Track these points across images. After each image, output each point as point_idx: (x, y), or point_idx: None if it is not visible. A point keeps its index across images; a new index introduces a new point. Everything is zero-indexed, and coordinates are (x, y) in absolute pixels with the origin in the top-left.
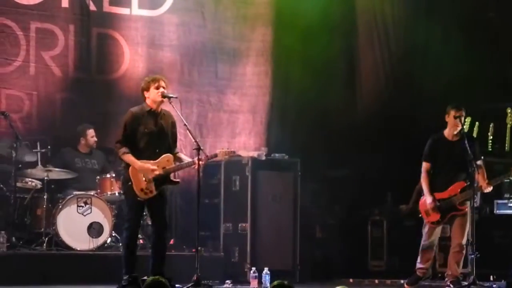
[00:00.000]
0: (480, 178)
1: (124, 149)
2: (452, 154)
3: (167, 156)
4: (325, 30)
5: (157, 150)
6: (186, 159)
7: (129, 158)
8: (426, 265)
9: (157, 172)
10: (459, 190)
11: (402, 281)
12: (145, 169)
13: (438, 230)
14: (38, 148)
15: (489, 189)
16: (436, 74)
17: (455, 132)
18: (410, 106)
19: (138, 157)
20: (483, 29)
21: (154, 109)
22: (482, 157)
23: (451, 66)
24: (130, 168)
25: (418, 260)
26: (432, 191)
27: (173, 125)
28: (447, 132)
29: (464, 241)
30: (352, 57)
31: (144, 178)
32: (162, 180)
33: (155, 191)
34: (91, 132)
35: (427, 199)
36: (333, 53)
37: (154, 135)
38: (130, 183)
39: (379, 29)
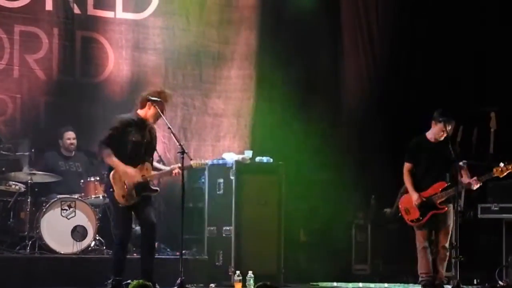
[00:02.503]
0: (465, 177)
1: (109, 151)
2: (434, 156)
3: (145, 165)
4: (310, 34)
5: (141, 160)
6: (162, 167)
7: (113, 160)
8: (428, 270)
9: (138, 179)
10: (440, 189)
11: (386, 285)
12: (128, 174)
13: (431, 232)
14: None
15: (478, 185)
16: (420, 78)
17: (440, 139)
18: (394, 110)
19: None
20: (467, 32)
21: (144, 120)
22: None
23: (435, 70)
24: (112, 173)
25: (423, 267)
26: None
27: (156, 138)
28: (430, 135)
29: (447, 244)
30: (337, 61)
31: (125, 185)
32: (142, 187)
33: (136, 197)
34: (67, 134)
35: (413, 196)
36: (317, 57)
37: (141, 146)
38: (111, 189)
39: (363, 33)
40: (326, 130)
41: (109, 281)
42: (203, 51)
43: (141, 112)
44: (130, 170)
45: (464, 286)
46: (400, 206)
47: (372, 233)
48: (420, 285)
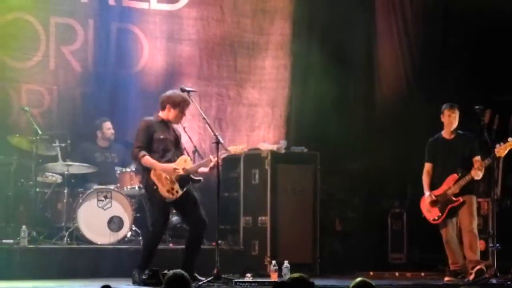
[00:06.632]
0: (473, 169)
1: (143, 152)
2: (450, 153)
3: (184, 157)
4: (344, 23)
5: (176, 157)
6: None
7: (149, 160)
8: (455, 260)
9: (179, 171)
10: (452, 183)
11: (422, 274)
12: (167, 169)
13: (452, 224)
14: (57, 143)
15: (479, 174)
16: (456, 65)
17: (452, 129)
18: (429, 97)
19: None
20: (502, 18)
21: (167, 120)
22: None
23: (470, 57)
24: (152, 172)
25: (450, 260)
26: (432, 189)
27: (180, 137)
28: (444, 132)
29: (474, 229)
30: (371, 50)
31: (168, 180)
32: (184, 180)
33: (181, 190)
34: (107, 125)
35: (425, 195)
36: (351, 46)
37: (169, 142)
38: (155, 187)
39: (398, 22)
40: (360, 118)
41: (146, 272)
42: (237, 41)
43: (162, 114)
44: (168, 166)
45: (502, 275)
46: (421, 207)
47: (408, 221)
48: (454, 272)
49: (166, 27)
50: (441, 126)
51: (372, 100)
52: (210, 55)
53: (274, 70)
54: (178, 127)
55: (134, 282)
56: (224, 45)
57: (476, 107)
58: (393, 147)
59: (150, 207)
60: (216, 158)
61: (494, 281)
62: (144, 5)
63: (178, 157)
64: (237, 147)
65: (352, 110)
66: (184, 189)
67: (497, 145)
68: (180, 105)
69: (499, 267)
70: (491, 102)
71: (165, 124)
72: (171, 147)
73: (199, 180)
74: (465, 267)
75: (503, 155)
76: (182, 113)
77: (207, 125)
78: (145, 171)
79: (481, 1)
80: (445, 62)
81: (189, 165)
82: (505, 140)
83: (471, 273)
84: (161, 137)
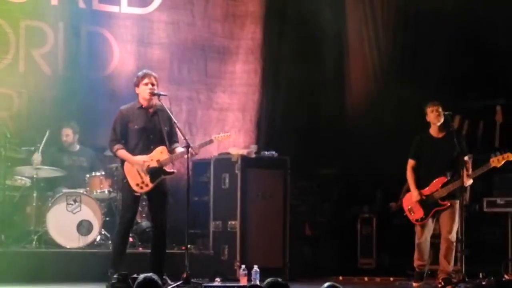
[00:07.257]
0: (463, 173)
1: (118, 146)
2: (438, 152)
3: (160, 148)
4: (315, 30)
5: (151, 147)
6: (180, 150)
7: (123, 153)
8: (423, 261)
9: (149, 164)
10: (440, 185)
11: (391, 279)
12: (138, 163)
13: (430, 226)
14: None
15: (469, 182)
16: (425, 73)
17: (439, 125)
18: (399, 105)
19: (132, 154)
20: (470, 26)
21: (146, 106)
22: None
23: (440, 65)
24: (125, 164)
25: (415, 256)
26: (418, 188)
27: (169, 120)
28: (432, 130)
29: (452, 237)
30: (342, 57)
31: (138, 173)
32: (157, 172)
33: (151, 183)
34: (64, 131)
35: (413, 194)
36: (322, 53)
37: (145, 131)
38: (125, 180)
39: (368, 30)
40: (331, 124)
41: (114, 276)
42: (208, 45)
43: (139, 99)
44: (138, 159)
45: (470, 280)
46: (404, 206)
47: (377, 226)
48: (420, 273)
49: (136, 30)
50: (411, 131)
51: (343, 106)
52: (181, 59)
53: (244, 74)
54: (165, 114)
55: (107, 285)
56: (195, 49)
57: (446, 113)
58: (362, 153)
59: (122, 199)
60: (192, 147)
61: (462, 286)
62: (114, 9)
63: (156, 145)
64: (222, 135)
65: (322, 116)
66: (156, 182)
67: (492, 155)
68: (140, 80)
69: (467, 272)
70: (460, 109)
71: (145, 111)
72: (148, 136)
73: (172, 172)
74: (428, 265)
75: (498, 165)
76: (145, 85)
77: (177, 129)
78: (121, 163)
79: (453, 8)
80: (415, 69)
81: (165, 156)
82: (502, 151)
83: (440, 283)
84: (136, 127)
